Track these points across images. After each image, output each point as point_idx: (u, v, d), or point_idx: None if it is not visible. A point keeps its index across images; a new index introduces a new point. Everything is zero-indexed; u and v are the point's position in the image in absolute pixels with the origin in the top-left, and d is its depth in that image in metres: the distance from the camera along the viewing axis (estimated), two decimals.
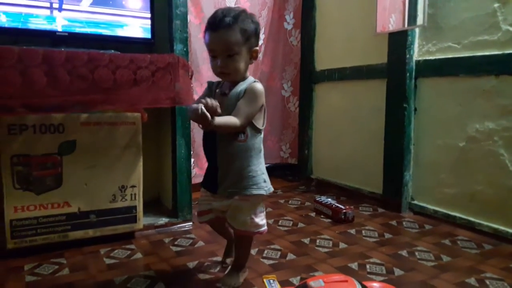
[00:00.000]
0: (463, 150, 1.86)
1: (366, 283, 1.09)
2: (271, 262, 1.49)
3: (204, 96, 1.25)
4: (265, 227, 1.30)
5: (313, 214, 2.08)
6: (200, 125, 1.11)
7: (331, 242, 1.69)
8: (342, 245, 1.66)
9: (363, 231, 1.82)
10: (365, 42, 2.32)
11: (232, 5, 2.40)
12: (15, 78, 1.34)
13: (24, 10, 1.63)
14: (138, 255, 1.56)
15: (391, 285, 1.21)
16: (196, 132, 2.22)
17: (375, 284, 1.22)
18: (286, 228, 1.86)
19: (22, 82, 1.35)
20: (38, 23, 1.66)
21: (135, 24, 1.86)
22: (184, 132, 1.84)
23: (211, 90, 1.30)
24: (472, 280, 1.35)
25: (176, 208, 1.87)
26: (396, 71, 2.10)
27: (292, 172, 2.92)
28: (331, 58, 2.59)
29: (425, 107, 2.03)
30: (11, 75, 1.33)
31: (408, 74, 2.04)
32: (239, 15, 1.17)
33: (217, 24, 1.16)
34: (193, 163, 2.28)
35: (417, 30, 2.04)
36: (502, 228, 1.71)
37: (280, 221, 1.96)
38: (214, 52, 1.20)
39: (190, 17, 2.10)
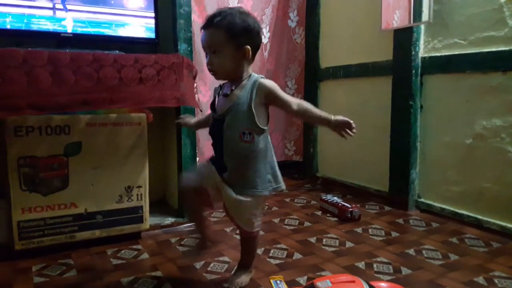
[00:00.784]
0: (470, 147, 1.84)
1: (374, 283, 1.09)
2: (277, 261, 1.49)
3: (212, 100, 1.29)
4: (259, 228, 1.32)
5: (319, 213, 2.08)
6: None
7: (337, 241, 1.68)
8: (348, 244, 1.65)
9: (370, 230, 1.82)
10: (370, 39, 2.30)
11: (235, 3, 2.40)
12: (20, 78, 1.34)
13: (27, 11, 1.64)
14: (145, 255, 1.56)
15: (399, 284, 1.20)
16: (200, 132, 2.21)
17: (382, 284, 1.22)
18: (292, 227, 1.86)
19: (27, 82, 1.35)
20: (42, 24, 1.67)
21: (139, 24, 1.86)
22: (189, 132, 1.84)
23: (216, 95, 1.30)
24: (480, 279, 1.34)
25: (182, 208, 1.87)
26: (401, 68, 2.08)
27: (297, 170, 2.91)
28: (336, 55, 2.58)
29: (431, 104, 2.02)
30: (16, 75, 1.33)
31: (413, 71, 2.02)
32: (229, 13, 1.19)
33: (206, 23, 1.21)
34: (198, 162, 2.27)
35: (422, 26, 2.02)
36: (510, 225, 1.69)
37: (286, 220, 1.96)
38: (204, 50, 1.25)
39: (193, 16, 2.09)
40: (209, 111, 1.33)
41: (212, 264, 1.47)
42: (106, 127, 1.58)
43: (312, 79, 2.75)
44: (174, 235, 1.76)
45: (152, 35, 1.88)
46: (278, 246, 1.63)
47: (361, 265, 1.46)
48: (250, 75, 1.24)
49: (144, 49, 1.85)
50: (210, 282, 1.34)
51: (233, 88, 1.23)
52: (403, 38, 2.07)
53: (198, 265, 1.46)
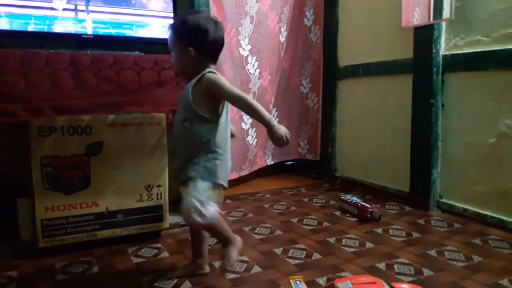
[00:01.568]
0: (493, 147, 1.80)
1: (395, 284, 1.07)
2: (296, 261, 1.49)
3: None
4: (210, 220, 1.22)
5: (338, 213, 2.06)
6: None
7: (357, 242, 1.67)
8: (368, 245, 1.64)
9: (390, 230, 1.79)
10: (390, 36, 2.27)
11: (253, 3, 2.40)
12: (44, 81, 1.37)
13: (50, 13, 1.67)
14: (165, 254, 1.57)
15: (420, 286, 1.18)
16: None
17: (403, 285, 1.20)
18: (310, 227, 1.85)
19: (50, 85, 1.39)
20: (64, 26, 1.69)
21: (159, 25, 1.87)
22: None
23: None
24: (505, 282, 1.31)
25: None
26: (422, 66, 2.05)
27: (315, 170, 2.89)
28: (355, 53, 2.55)
29: (452, 102, 1.98)
30: (40, 78, 1.37)
31: (434, 69, 1.99)
32: (186, 16, 1.29)
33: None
34: None
35: (443, 23, 1.98)
36: None
37: (305, 220, 1.95)
38: None
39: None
40: None
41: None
42: (126, 127, 1.60)
43: (330, 77, 2.73)
44: None
45: None
46: (297, 246, 1.63)
47: (381, 266, 1.44)
48: (203, 73, 1.27)
49: (164, 50, 1.86)
50: (229, 282, 1.34)
51: (186, 85, 1.30)
52: (424, 35, 2.03)
53: (217, 264, 1.47)
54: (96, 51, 1.57)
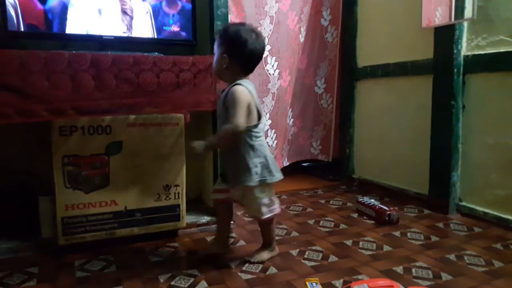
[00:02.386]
0: None
1: None
2: (312, 263, 1.48)
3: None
4: (270, 214, 1.47)
5: (355, 215, 2.04)
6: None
7: (374, 245, 1.65)
8: (386, 248, 1.62)
9: (408, 234, 1.77)
10: (410, 37, 2.24)
11: (273, 3, 2.39)
12: (66, 82, 1.40)
13: (72, 15, 1.70)
14: (182, 253, 1.59)
15: None
16: None
17: None
18: (327, 229, 1.84)
19: (72, 86, 1.41)
20: (85, 28, 1.72)
21: (177, 26, 1.89)
22: None
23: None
24: None
25: None
26: (442, 67, 2.01)
27: (332, 172, 2.87)
28: (374, 54, 2.52)
29: (474, 104, 1.94)
30: (62, 80, 1.40)
31: (455, 70, 1.96)
32: (231, 26, 1.43)
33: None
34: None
35: (465, 23, 1.95)
36: None
37: (321, 222, 1.94)
38: None
39: (231, 17, 2.11)
40: None
41: (246, 264, 1.48)
42: (145, 127, 1.62)
43: (348, 78, 2.71)
44: (210, 233, 1.78)
45: (189, 36, 1.91)
46: (313, 248, 1.62)
47: (399, 269, 1.43)
48: (231, 86, 1.39)
49: (182, 51, 1.88)
50: (245, 282, 1.34)
51: (223, 92, 1.43)
52: (445, 35, 2.00)
53: (234, 264, 1.47)
54: (116, 53, 1.59)
